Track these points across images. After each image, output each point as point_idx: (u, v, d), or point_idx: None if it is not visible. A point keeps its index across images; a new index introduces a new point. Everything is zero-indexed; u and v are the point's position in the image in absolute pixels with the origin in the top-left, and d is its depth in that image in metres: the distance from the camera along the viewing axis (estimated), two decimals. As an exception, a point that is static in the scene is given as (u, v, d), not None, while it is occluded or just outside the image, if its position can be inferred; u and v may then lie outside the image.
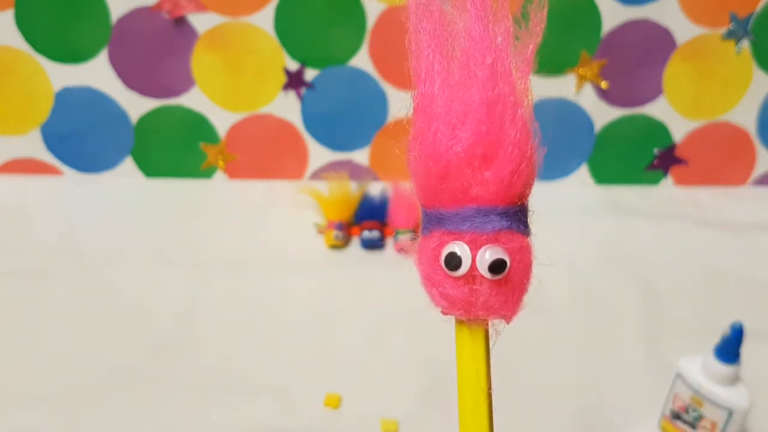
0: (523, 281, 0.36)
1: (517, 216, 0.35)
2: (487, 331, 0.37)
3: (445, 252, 0.35)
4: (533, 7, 0.35)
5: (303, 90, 1.09)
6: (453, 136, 0.35)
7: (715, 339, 0.67)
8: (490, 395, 0.37)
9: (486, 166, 0.34)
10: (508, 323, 0.37)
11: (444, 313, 0.37)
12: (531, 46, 0.35)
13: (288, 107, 1.11)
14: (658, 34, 1.07)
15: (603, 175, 1.19)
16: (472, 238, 0.35)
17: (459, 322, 0.37)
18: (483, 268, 0.34)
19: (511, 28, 0.35)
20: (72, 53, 1.05)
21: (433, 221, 0.36)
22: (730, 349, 0.66)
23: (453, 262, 0.35)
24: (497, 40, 0.35)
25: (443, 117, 0.35)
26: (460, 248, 0.35)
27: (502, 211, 0.35)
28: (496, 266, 0.34)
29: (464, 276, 0.35)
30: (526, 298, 0.36)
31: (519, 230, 0.35)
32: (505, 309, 0.36)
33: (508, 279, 0.35)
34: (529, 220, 0.36)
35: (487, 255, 0.34)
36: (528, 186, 0.35)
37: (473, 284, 0.35)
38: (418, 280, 0.38)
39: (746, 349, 0.66)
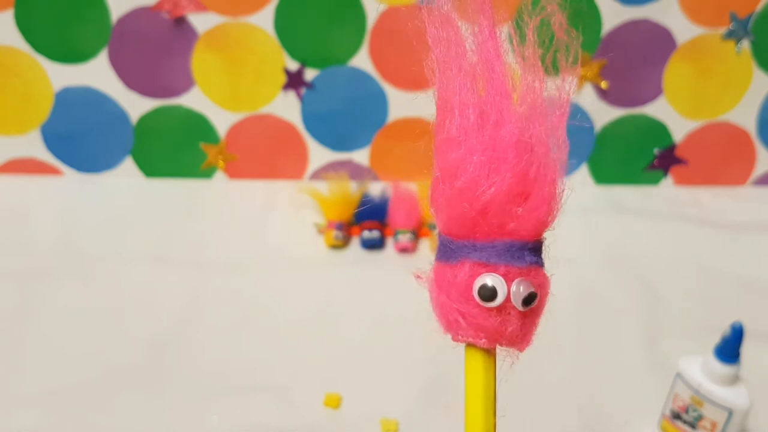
0: (541, 314, 0.38)
1: (541, 251, 0.38)
2: (495, 358, 0.39)
3: (479, 283, 0.36)
4: (564, 58, 0.37)
5: (303, 90, 1.09)
6: (493, 172, 0.36)
7: (715, 339, 0.67)
8: (494, 416, 0.39)
9: (521, 203, 0.36)
10: (521, 352, 0.39)
11: (456, 340, 0.38)
12: (565, 97, 0.37)
13: (288, 107, 1.11)
14: (658, 34, 1.07)
15: (603, 175, 1.19)
16: (506, 271, 0.36)
17: (471, 348, 0.38)
18: (517, 301, 0.36)
19: (542, 73, 0.37)
20: (72, 53, 1.05)
21: (462, 251, 0.37)
22: (730, 349, 0.66)
23: (485, 292, 0.36)
24: (532, 83, 0.36)
25: (481, 153, 0.36)
26: (495, 280, 0.36)
27: (532, 246, 0.37)
28: (530, 299, 0.36)
29: (497, 307, 0.36)
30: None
31: (542, 265, 0.38)
32: (525, 339, 0.38)
33: (534, 311, 0.37)
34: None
35: (522, 288, 0.36)
36: (553, 222, 0.37)
37: (504, 315, 0.37)
38: (431, 306, 0.39)
39: (746, 349, 0.66)
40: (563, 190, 0.37)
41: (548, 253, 0.38)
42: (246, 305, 0.92)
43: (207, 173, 1.16)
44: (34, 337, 0.86)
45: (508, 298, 0.36)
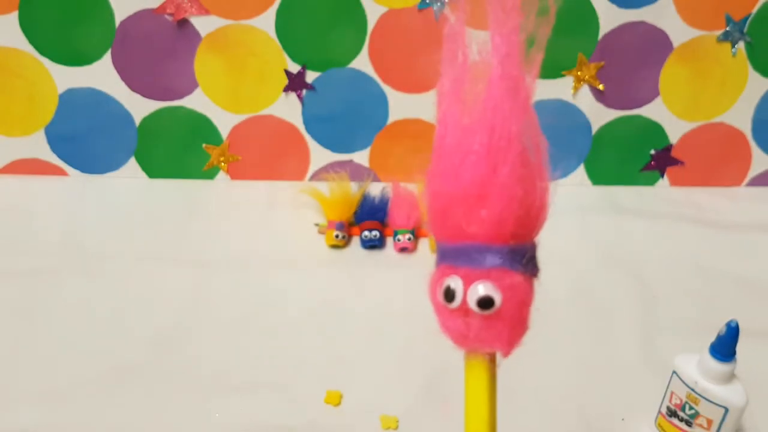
0: (517, 317, 0.37)
1: (512, 255, 0.36)
2: (493, 365, 0.39)
3: (443, 285, 0.37)
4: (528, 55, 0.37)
5: (304, 92, 1.10)
6: (454, 176, 0.36)
7: (711, 337, 0.68)
8: (493, 424, 0.39)
9: (482, 206, 0.36)
10: (505, 357, 0.38)
11: (454, 345, 0.39)
12: (525, 93, 0.37)
13: (289, 109, 1.11)
14: (654, 37, 1.08)
15: (600, 176, 1.20)
16: (465, 273, 0.36)
17: (466, 355, 0.39)
18: (472, 303, 0.36)
19: (532, 88, 0.37)
20: (76, 55, 1.05)
21: (439, 254, 0.38)
22: (725, 347, 0.66)
23: (448, 294, 0.36)
24: (519, 96, 0.36)
25: (449, 157, 0.37)
26: (455, 282, 0.36)
27: (495, 249, 0.36)
28: (484, 302, 0.36)
29: (458, 309, 0.37)
30: (526, 334, 0.38)
31: (513, 268, 0.36)
32: (499, 343, 0.37)
33: (500, 315, 0.36)
34: (530, 259, 0.37)
35: (478, 290, 0.36)
36: (522, 226, 0.36)
37: (466, 317, 0.37)
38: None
39: (742, 348, 0.67)
40: (535, 193, 0.37)
41: (532, 257, 0.38)
42: (247, 304, 0.93)
43: (209, 174, 1.16)
44: (39, 335, 0.87)
45: (464, 300, 0.36)
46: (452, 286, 0.36)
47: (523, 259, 0.37)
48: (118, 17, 1.03)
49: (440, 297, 0.37)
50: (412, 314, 0.76)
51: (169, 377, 0.82)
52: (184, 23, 1.03)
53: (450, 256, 0.37)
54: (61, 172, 1.15)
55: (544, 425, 0.78)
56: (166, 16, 1.03)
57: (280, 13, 1.03)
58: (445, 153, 0.37)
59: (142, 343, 0.87)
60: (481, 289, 0.36)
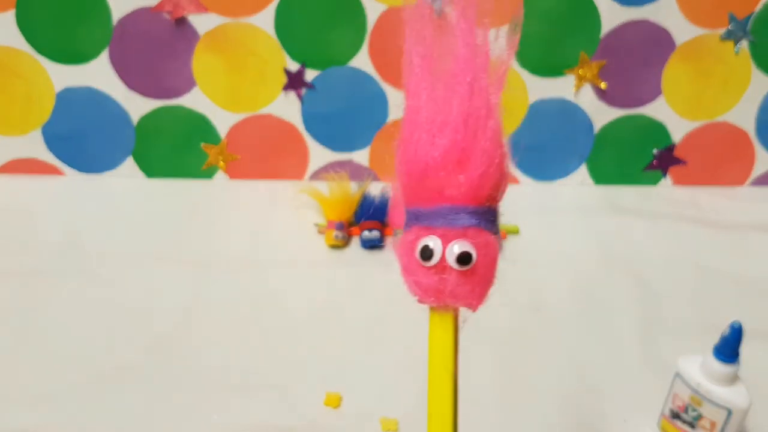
0: (488, 274, 0.41)
1: (485, 216, 0.40)
2: (456, 319, 0.42)
3: (420, 244, 0.40)
4: (508, 33, 0.40)
5: (303, 90, 1.09)
6: (432, 143, 0.40)
7: (714, 338, 0.68)
8: (456, 378, 0.42)
9: (460, 170, 0.39)
10: (474, 311, 0.41)
11: (420, 301, 0.42)
12: (504, 68, 0.40)
13: (288, 108, 1.11)
14: (657, 35, 1.08)
15: (602, 176, 1.19)
16: (443, 233, 0.40)
17: (432, 310, 0.42)
18: (451, 260, 0.39)
19: (490, 51, 0.40)
20: (73, 54, 1.05)
21: (412, 218, 0.41)
22: (729, 348, 0.66)
23: (426, 253, 0.39)
24: (478, 61, 0.40)
25: (425, 127, 0.40)
26: (433, 241, 0.39)
27: (471, 210, 0.39)
28: (463, 258, 0.39)
29: (435, 266, 0.40)
30: (492, 290, 0.41)
31: (486, 228, 0.40)
32: (471, 298, 0.41)
33: (474, 271, 0.40)
34: (497, 221, 0.41)
35: (456, 248, 0.39)
36: (497, 189, 0.40)
37: (443, 274, 0.40)
38: (399, 270, 0.42)
39: (745, 349, 0.67)
40: (505, 159, 0.40)
41: (499, 218, 0.41)
42: (247, 305, 0.93)
43: (208, 173, 1.16)
44: (36, 336, 0.87)
45: (443, 258, 0.39)
46: (431, 245, 0.39)
47: (494, 219, 0.40)
48: (116, 15, 1.02)
49: (417, 255, 0.40)
50: (412, 315, 0.76)
51: (168, 377, 0.82)
52: (182, 21, 1.03)
53: (426, 219, 0.40)
54: (57, 172, 1.14)
55: (545, 426, 0.78)
56: (164, 15, 1.02)
57: (279, 11, 1.03)
58: (421, 123, 0.40)
59: (142, 343, 0.86)
60: (461, 246, 0.39)
